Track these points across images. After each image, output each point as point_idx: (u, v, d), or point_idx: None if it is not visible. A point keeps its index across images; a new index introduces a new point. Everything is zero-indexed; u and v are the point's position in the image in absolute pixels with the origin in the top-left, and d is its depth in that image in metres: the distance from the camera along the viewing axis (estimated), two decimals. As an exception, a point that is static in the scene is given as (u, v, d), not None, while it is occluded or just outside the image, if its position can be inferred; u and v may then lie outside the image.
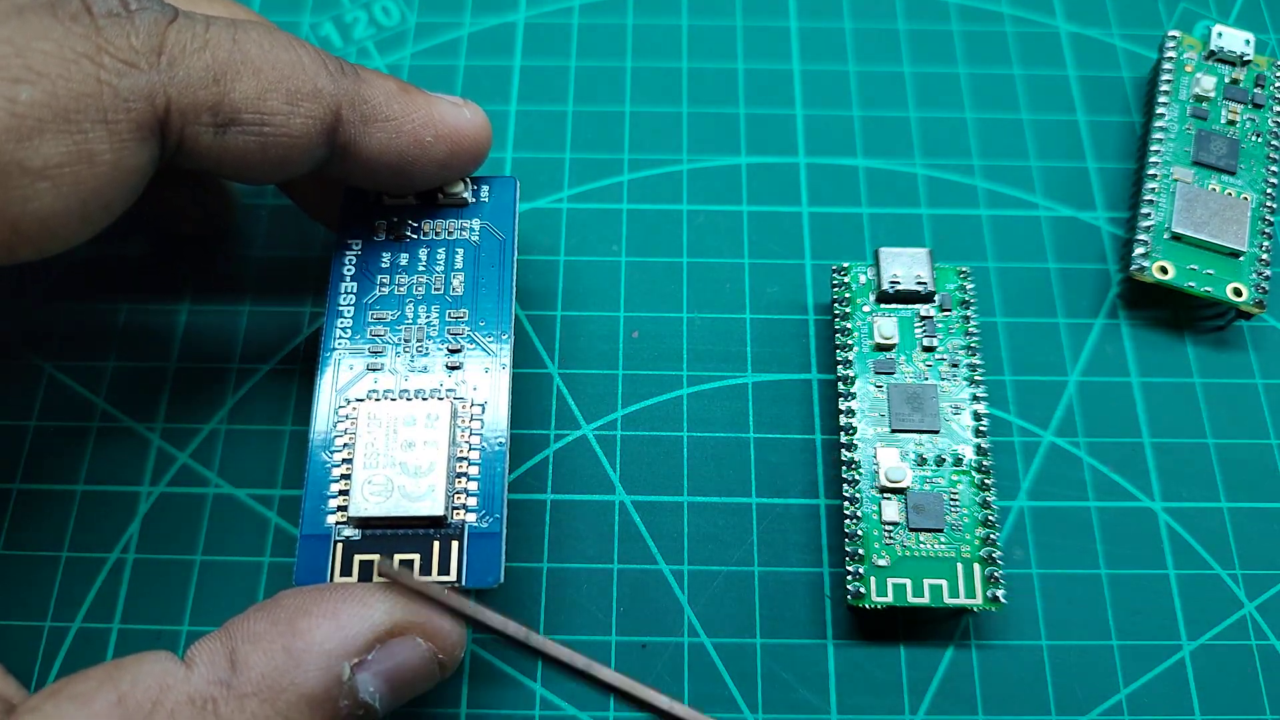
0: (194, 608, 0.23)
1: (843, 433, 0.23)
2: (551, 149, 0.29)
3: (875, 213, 0.28)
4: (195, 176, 0.25)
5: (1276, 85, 0.28)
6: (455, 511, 0.19)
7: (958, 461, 0.23)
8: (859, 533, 0.22)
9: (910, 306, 0.25)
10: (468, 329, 0.21)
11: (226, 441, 0.25)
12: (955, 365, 0.24)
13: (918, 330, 0.24)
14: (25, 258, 0.17)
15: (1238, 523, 0.24)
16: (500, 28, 0.31)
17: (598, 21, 0.31)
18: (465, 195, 0.22)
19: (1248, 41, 0.28)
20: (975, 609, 0.22)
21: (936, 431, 0.23)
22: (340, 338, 0.21)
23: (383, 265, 0.21)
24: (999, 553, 0.22)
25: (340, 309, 0.21)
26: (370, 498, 0.19)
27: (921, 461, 0.23)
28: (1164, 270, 0.26)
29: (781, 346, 0.26)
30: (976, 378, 0.24)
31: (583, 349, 0.26)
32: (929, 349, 0.24)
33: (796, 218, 0.28)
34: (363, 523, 0.19)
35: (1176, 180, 0.27)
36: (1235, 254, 0.26)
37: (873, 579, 0.22)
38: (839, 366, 0.24)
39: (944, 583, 0.22)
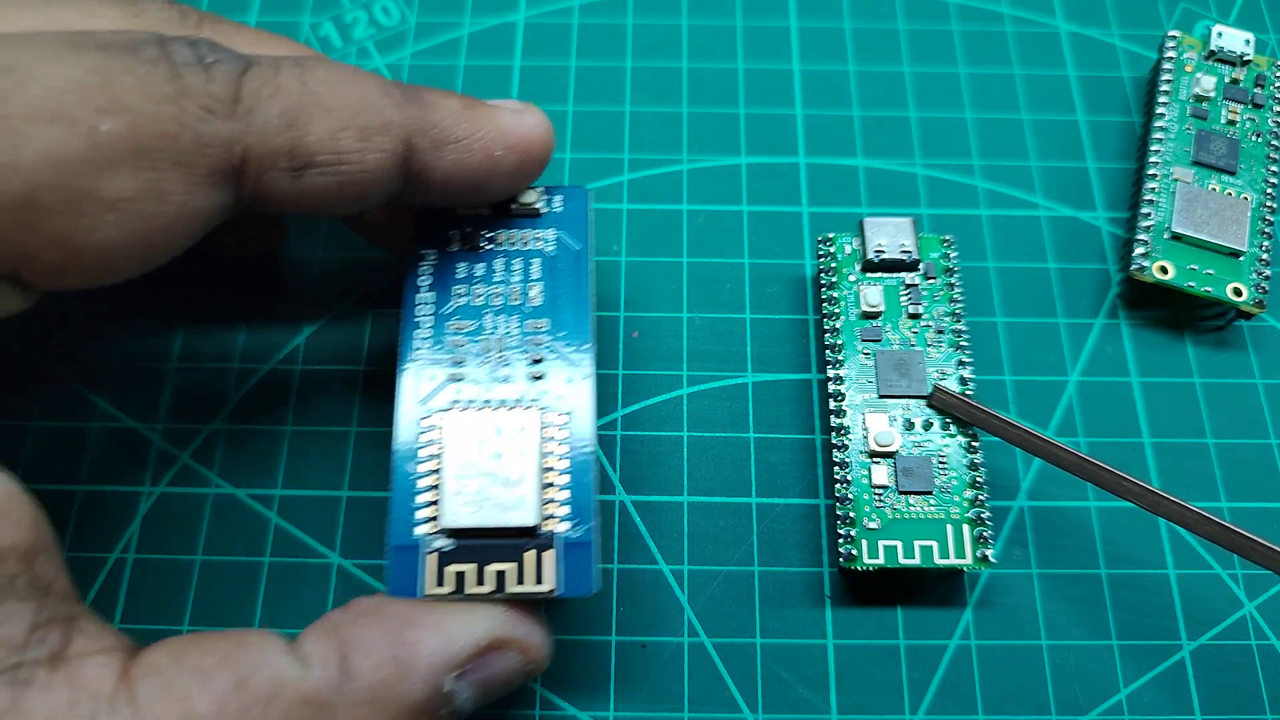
0: (194, 608, 0.23)
1: (831, 399, 0.24)
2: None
3: (875, 212, 0.28)
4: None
5: (1276, 85, 0.28)
6: (546, 521, 0.19)
7: (945, 425, 0.23)
8: (849, 496, 0.23)
9: (895, 275, 0.25)
10: (548, 339, 0.21)
11: (227, 442, 0.25)
12: (941, 331, 0.24)
13: (903, 298, 0.25)
14: (73, 285, 0.17)
15: (1238, 523, 0.24)
16: (500, 28, 0.31)
17: (598, 21, 0.31)
18: (539, 205, 0.22)
19: (1248, 41, 0.28)
20: (965, 569, 0.22)
21: (924, 396, 0.24)
22: (419, 348, 0.20)
23: (458, 276, 0.21)
24: (987, 513, 0.22)
25: (418, 320, 0.21)
26: (463, 508, 0.19)
27: (910, 426, 0.23)
28: (1164, 270, 0.26)
29: (781, 346, 0.26)
30: (962, 343, 0.24)
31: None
32: (914, 316, 0.25)
33: (796, 217, 0.28)
34: (454, 533, 0.19)
35: (1176, 180, 0.27)
36: (1235, 254, 0.26)
37: (864, 541, 0.22)
38: (826, 335, 0.25)
39: (934, 544, 0.22)
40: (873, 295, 0.25)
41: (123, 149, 0.15)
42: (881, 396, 0.24)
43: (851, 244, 0.26)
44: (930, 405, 0.17)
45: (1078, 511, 0.24)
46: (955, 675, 0.23)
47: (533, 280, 0.21)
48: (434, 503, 0.19)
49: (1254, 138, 0.27)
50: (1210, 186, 0.27)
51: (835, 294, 0.25)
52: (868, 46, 0.31)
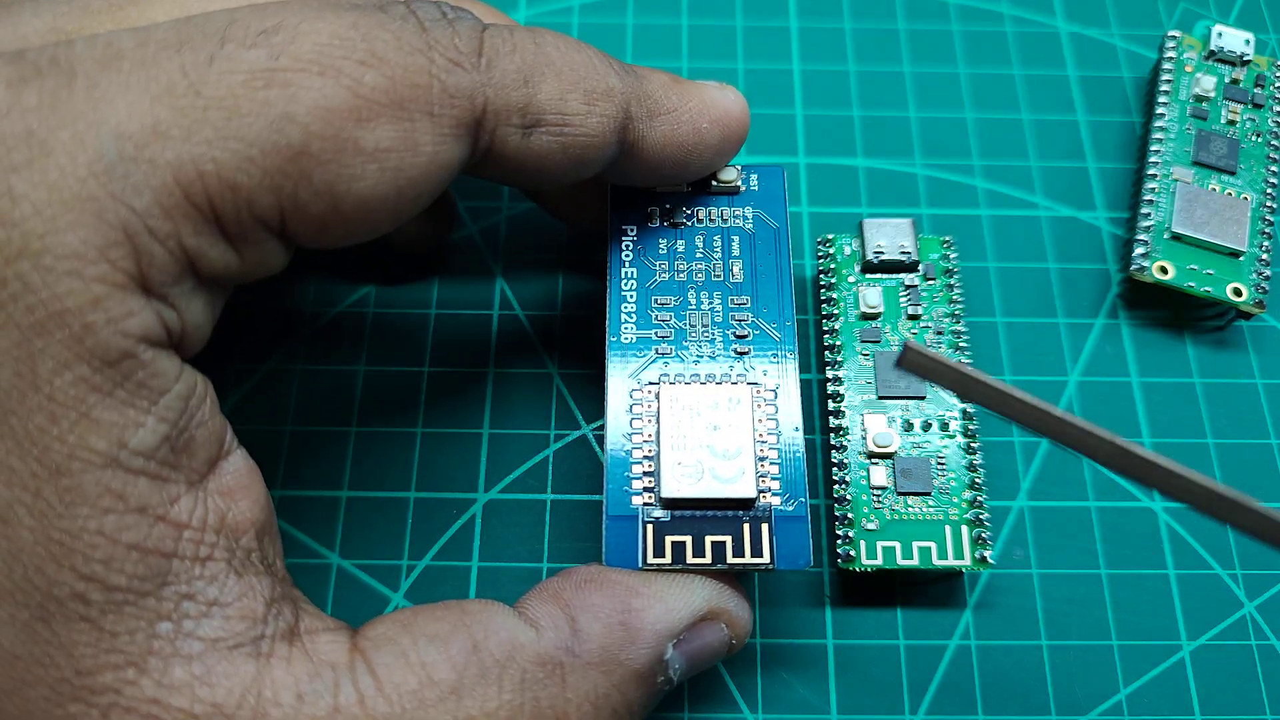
0: (194, 608, 0.23)
1: (830, 400, 0.24)
2: (551, 149, 0.29)
3: (875, 212, 0.28)
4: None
5: (1276, 85, 0.28)
6: (761, 495, 0.19)
7: (944, 426, 0.23)
8: (848, 497, 0.23)
9: (895, 276, 0.25)
10: (751, 315, 0.21)
11: (226, 441, 0.25)
12: (940, 332, 0.24)
13: (903, 299, 0.25)
14: (331, 241, 0.17)
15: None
16: (500, 28, 0.31)
17: (598, 21, 0.31)
18: (738, 183, 0.22)
19: (1248, 41, 0.28)
20: (964, 570, 0.22)
21: (923, 398, 0.24)
22: (625, 322, 0.21)
23: (660, 251, 0.22)
24: (986, 514, 0.22)
25: (624, 293, 0.21)
26: (682, 479, 0.19)
27: (908, 427, 0.23)
28: (1164, 270, 0.26)
29: (781, 346, 0.26)
30: (961, 344, 0.24)
31: (583, 349, 0.26)
32: (914, 317, 0.25)
33: (796, 218, 0.28)
34: (672, 504, 0.19)
35: (1176, 180, 0.27)
36: (1235, 254, 0.26)
37: (862, 542, 0.22)
38: (825, 336, 0.25)
39: (933, 545, 0.22)
40: (872, 296, 0.25)
41: (382, 100, 0.16)
42: (880, 398, 0.24)
43: (851, 245, 0.26)
44: (899, 366, 0.17)
45: (1077, 511, 0.24)
46: (955, 676, 0.23)
47: (734, 257, 0.21)
48: (648, 474, 0.19)
49: (1254, 138, 0.27)
50: (1210, 186, 0.27)
51: (834, 295, 0.25)
52: (868, 46, 0.31)
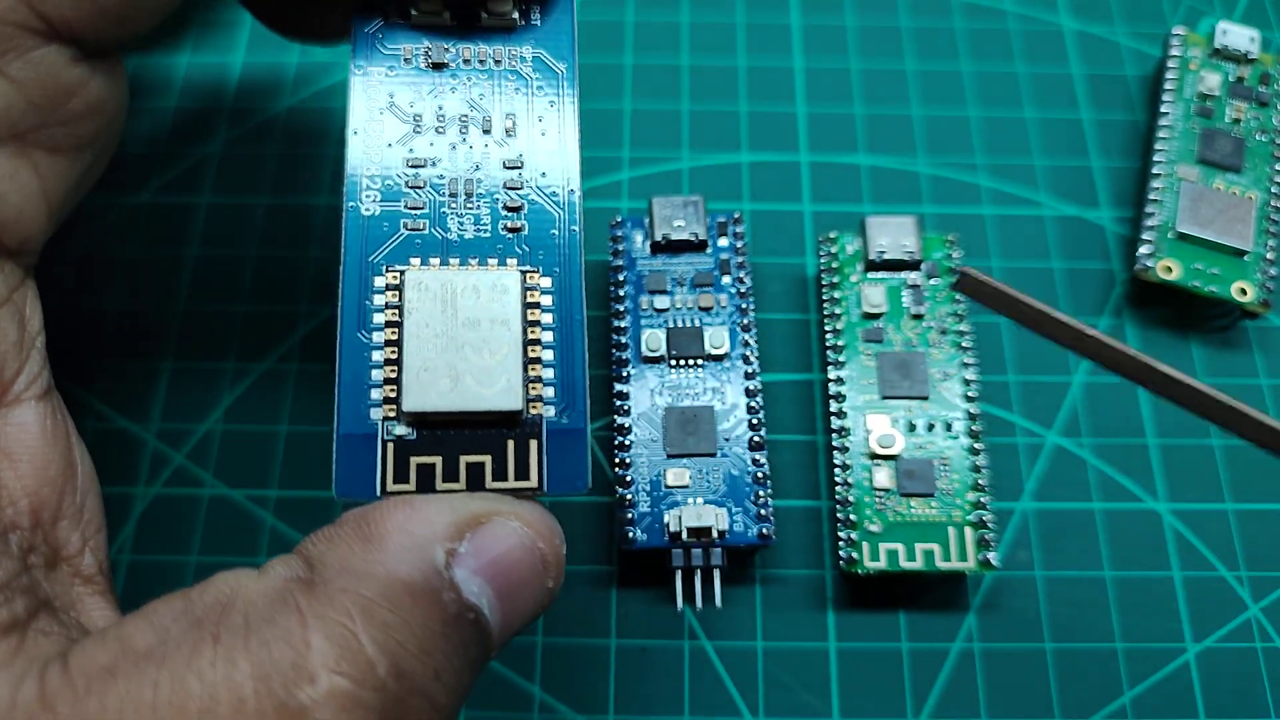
0: (189, 610, 0.23)
1: (833, 400, 0.24)
2: (551, 146, 0.28)
3: (878, 211, 0.27)
4: None
5: (1282, 83, 0.28)
6: (531, 404, 0.16)
7: (948, 427, 0.23)
8: (851, 499, 0.22)
9: (898, 275, 0.25)
10: (526, 184, 0.17)
11: (222, 442, 0.24)
12: (944, 332, 0.24)
13: (905, 298, 0.25)
14: (121, 15, 0.15)
15: (1243, 525, 0.24)
16: (499, 24, 0.30)
17: (598, 17, 0.30)
18: (514, 15, 0.18)
19: (1252, 39, 0.28)
20: (967, 572, 0.22)
21: (926, 398, 0.23)
22: (369, 188, 0.17)
23: (416, 100, 0.17)
24: (990, 516, 0.22)
25: (367, 149, 0.17)
26: (429, 388, 0.15)
27: (912, 428, 0.23)
28: (1169, 269, 0.25)
29: (783, 347, 0.26)
30: (964, 344, 0.24)
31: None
32: (917, 316, 0.24)
33: (798, 216, 0.27)
34: (418, 419, 0.15)
35: (1181, 179, 0.26)
36: (1240, 253, 0.26)
37: (865, 545, 0.22)
38: (828, 335, 0.24)
39: (936, 547, 0.22)
40: (875, 295, 0.25)
41: None
42: (884, 398, 0.24)
43: (854, 243, 0.25)
44: (955, 288, 0.16)
45: (1082, 514, 0.24)
46: (958, 679, 0.22)
47: (508, 111, 0.17)
48: (390, 381, 0.16)
49: (1259, 136, 0.27)
50: (1215, 185, 0.26)
51: (837, 294, 0.25)
52: (871, 43, 0.30)
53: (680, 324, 0.24)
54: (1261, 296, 0.25)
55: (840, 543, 0.22)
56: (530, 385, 0.16)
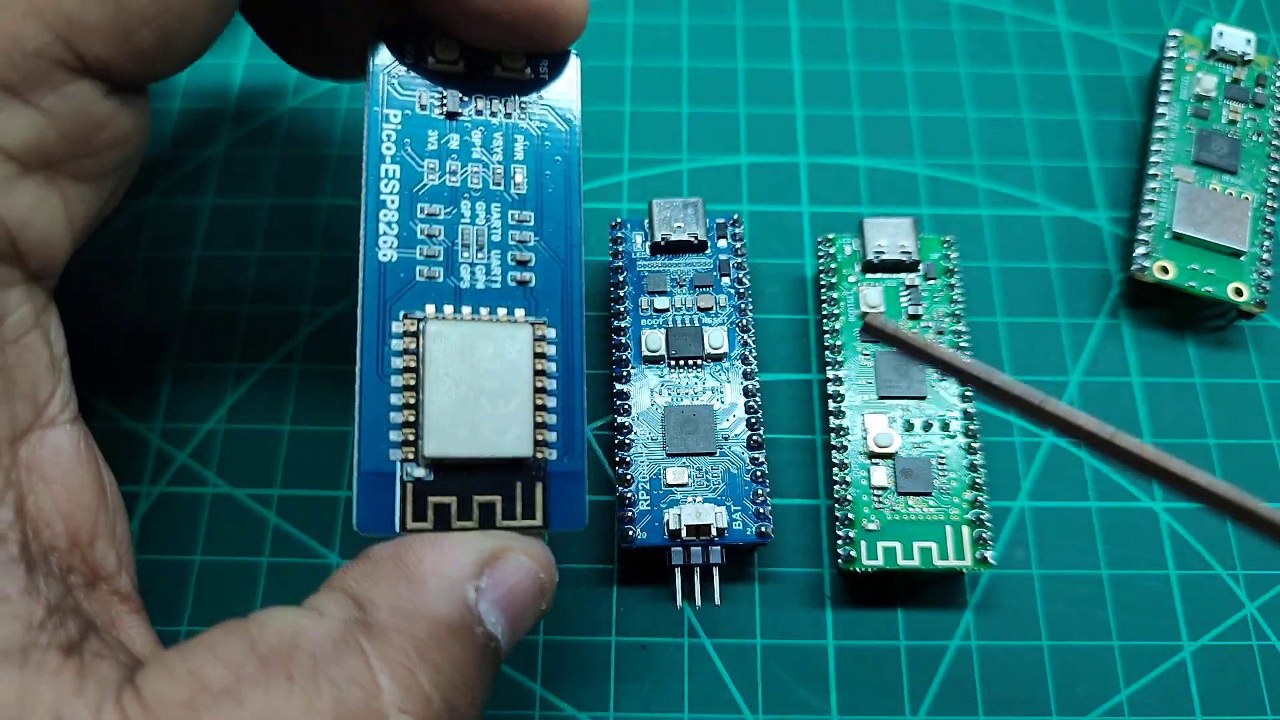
0: (193, 608, 0.23)
1: (831, 400, 0.24)
2: (551, 148, 0.29)
3: (876, 212, 0.28)
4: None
5: (1277, 84, 0.28)
6: (536, 449, 0.17)
7: (945, 426, 0.23)
8: (849, 498, 0.23)
9: (895, 276, 0.25)
10: (534, 237, 0.18)
11: (225, 441, 0.25)
12: (941, 332, 0.24)
13: (903, 299, 0.25)
14: (154, 54, 0.15)
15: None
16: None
17: (597, 21, 0.31)
18: (525, 70, 0.18)
19: (1248, 41, 0.28)
20: (965, 570, 0.22)
21: (923, 397, 0.24)
22: (386, 234, 0.17)
23: (429, 147, 0.18)
24: (987, 514, 0.22)
25: (383, 198, 0.17)
26: (449, 434, 0.16)
27: (909, 427, 0.23)
28: (1165, 270, 0.26)
29: (781, 346, 0.26)
30: (962, 344, 0.24)
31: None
32: (915, 317, 0.25)
33: (796, 217, 0.28)
34: (436, 463, 0.16)
35: (1178, 180, 0.27)
36: (1236, 254, 0.26)
37: (863, 543, 0.22)
38: (826, 336, 0.25)
39: (933, 545, 0.22)
40: (873, 296, 0.25)
41: None
42: (881, 398, 0.24)
43: (851, 244, 0.26)
44: (861, 335, 0.17)
45: (1078, 512, 0.24)
46: (956, 676, 0.22)
47: (516, 162, 0.18)
48: (409, 425, 0.16)
49: (1255, 137, 0.27)
50: (1211, 186, 0.27)
51: (835, 294, 0.25)
52: (868, 46, 0.31)
53: (680, 324, 0.24)
54: (1257, 297, 0.25)
55: (838, 541, 0.22)
56: (536, 430, 0.17)
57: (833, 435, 0.23)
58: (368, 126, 0.18)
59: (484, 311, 0.17)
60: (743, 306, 0.24)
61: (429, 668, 0.15)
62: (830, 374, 0.24)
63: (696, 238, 0.24)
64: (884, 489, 0.23)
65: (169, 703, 0.13)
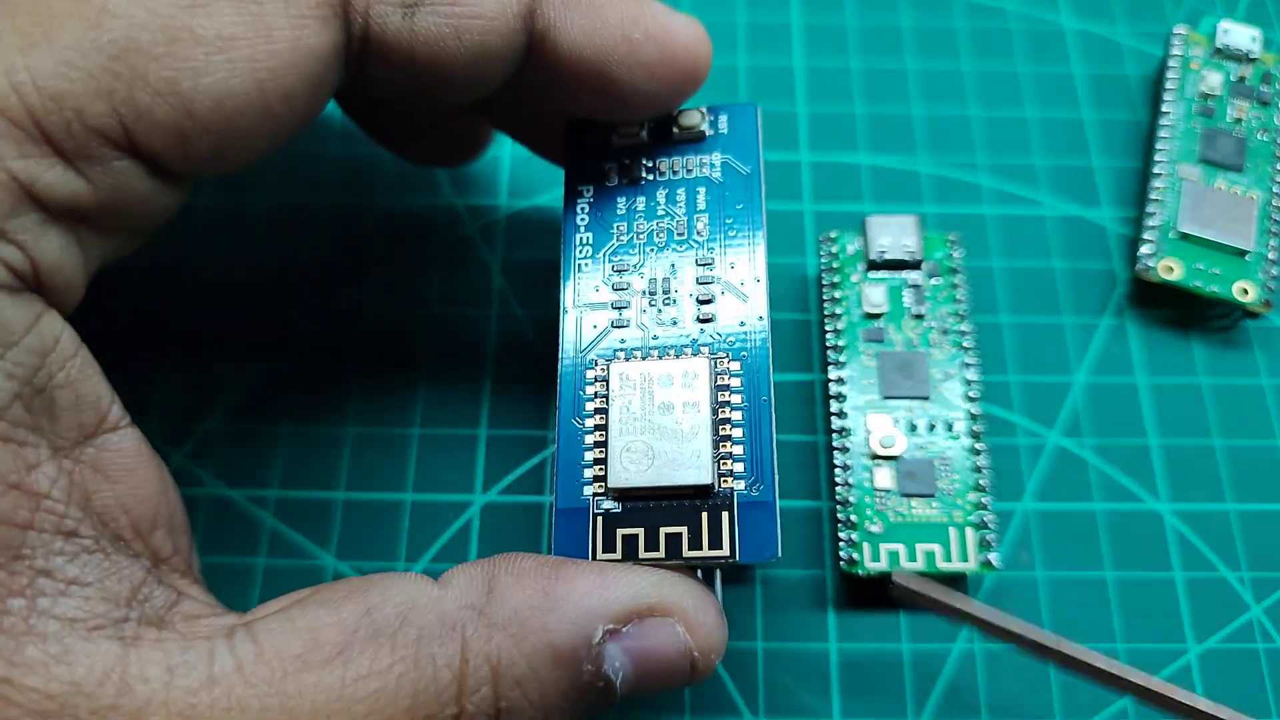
0: (189, 611, 0.23)
1: (833, 400, 0.24)
2: (551, 146, 0.28)
3: (879, 210, 0.27)
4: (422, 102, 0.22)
5: (1284, 82, 0.28)
6: (722, 479, 0.17)
7: (949, 427, 0.23)
8: (851, 500, 0.22)
9: (899, 274, 0.25)
10: (716, 278, 0.19)
11: (222, 442, 0.24)
12: (945, 332, 0.24)
13: (907, 298, 0.25)
14: (204, 158, 0.16)
15: (1245, 525, 0.24)
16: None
17: (598, 17, 0.30)
18: (703, 127, 0.20)
19: (1254, 38, 0.28)
20: (968, 574, 0.22)
21: (927, 398, 0.23)
22: (580, 293, 0.19)
23: (618, 212, 0.19)
24: (991, 516, 0.22)
25: (578, 261, 0.19)
26: (630, 466, 0.17)
27: (913, 428, 0.23)
28: (1170, 269, 0.25)
29: (782, 347, 0.26)
30: (966, 344, 0.24)
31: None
32: (918, 316, 0.24)
33: (799, 215, 0.27)
34: (622, 494, 0.17)
35: (1183, 179, 0.26)
36: (1242, 253, 0.25)
37: (866, 545, 0.22)
38: (828, 335, 0.24)
39: (937, 548, 0.22)
40: (876, 295, 0.25)
41: None
42: (885, 398, 0.24)
43: (854, 243, 0.25)
44: (890, 594, 0.18)
45: (1083, 514, 0.24)
46: (959, 680, 0.22)
47: (699, 211, 0.19)
48: (600, 462, 0.17)
49: (1261, 135, 0.27)
50: (1217, 185, 0.26)
51: (838, 294, 0.25)
52: (872, 42, 0.30)
53: None
54: (1263, 296, 0.25)
55: (841, 543, 0.22)
56: (721, 461, 0.17)
57: (835, 436, 0.23)
58: (565, 207, 0.20)
59: (670, 354, 0.18)
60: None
61: (511, 678, 0.15)
62: (833, 374, 0.24)
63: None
64: (887, 491, 0.23)
65: (284, 652, 0.14)
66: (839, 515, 0.23)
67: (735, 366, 0.18)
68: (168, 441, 0.24)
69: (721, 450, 0.17)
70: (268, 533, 0.23)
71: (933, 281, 0.25)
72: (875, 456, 0.23)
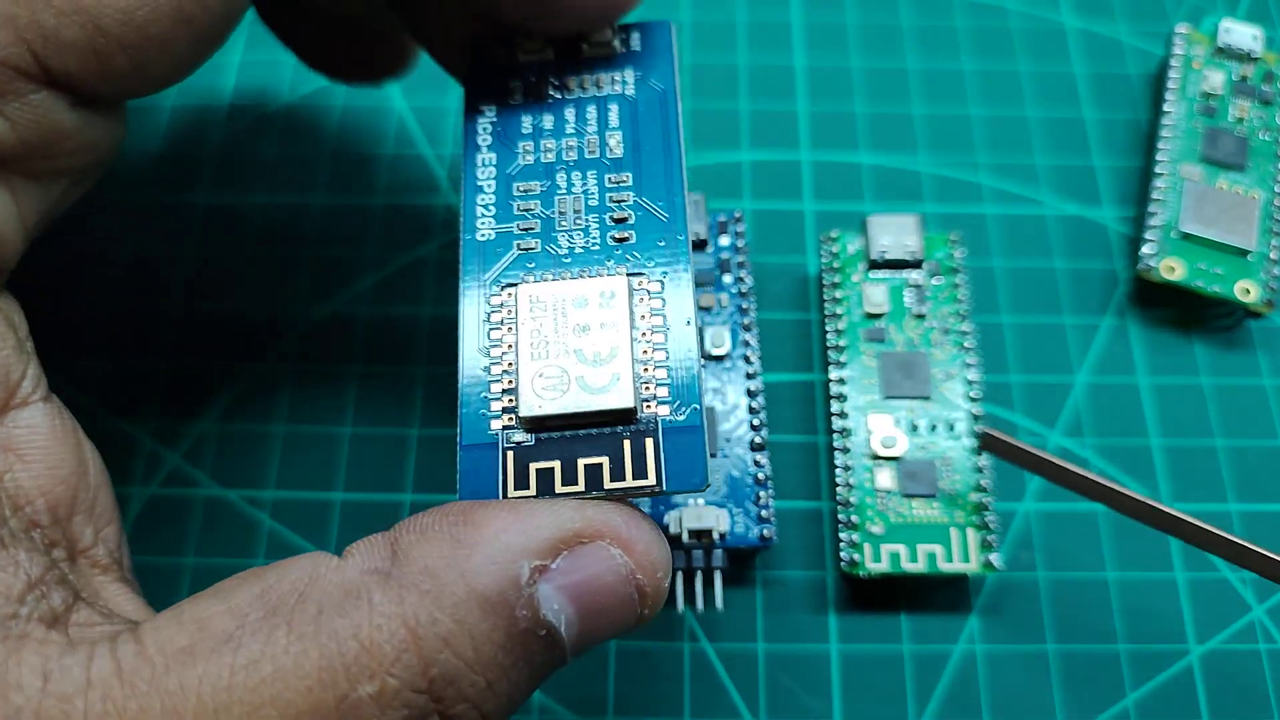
0: (186, 612, 0.22)
1: (835, 401, 0.23)
2: (550, 144, 0.28)
3: (880, 209, 0.27)
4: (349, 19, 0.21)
5: (1286, 81, 0.28)
6: (645, 404, 0.16)
7: (950, 427, 0.23)
8: (852, 500, 0.22)
9: (900, 274, 0.25)
10: (633, 195, 0.18)
11: (219, 443, 0.24)
12: (946, 332, 0.24)
13: (908, 298, 0.24)
14: (127, 76, 0.15)
15: (1246, 525, 0.24)
16: (498, 21, 0.30)
17: (597, 15, 0.30)
18: (615, 44, 0.19)
19: (1256, 37, 0.28)
20: (969, 574, 0.22)
21: (928, 398, 0.23)
22: (483, 217, 0.18)
23: (523, 131, 0.18)
24: (992, 517, 0.22)
25: (480, 184, 0.18)
26: (543, 394, 0.16)
27: (914, 428, 0.23)
28: (1172, 269, 0.25)
29: (782, 346, 0.26)
30: (967, 344, 0.24)
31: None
32: (919, 316, 0.24)
33: (799, 215, 0.27)
34: (536, 424, 0.16)
35: (1185, 178, 0.26)
36: (1244, 252, 0.25)
37: (867, 546, 0.22)
38: (829, 335, 0.24)
39: (939, 548, 0.22)
40: (877, 295, 0.24)
41: None
42: (886, 398, 0.23)
43: (855, 242, 0.25)
44: (980, 449, 0.17)
45: (1085, 515, 0.24)
46: (961, 681, 0.22)
47: (611, 129, 0.18)
48: (508, 392, 0.16)
49: (1263, 134, 0.27)
50: (1219, 184, 0.26)
51: (839, 293, 0.25)
52: (872, 41, 0.30)
53: None
54: (1265, 296, 0.25)
55: (842, 544, 0.22)
56: (644, 385, 0.16)
57: (836, 437, 0.23)
58: (466, 127, 0.18)
59: (586, 274, 0.17)
60: (745, 305, 0.24)
61: (436, 636, 0.13)
62: (834, 374, 0.24)
63: (698, 235, 0.24)
64: (888, 491, 0.23)
65: (168, 648, 0.13)
66: (840, 516, 0.22)
67: (655, 287, 0.17)
68: (164, 442, 0.24)
69: (643, 373, 0.16)
70: (265, 533, 0.23)
71: (934, 281, 0.25)
72: (876, 457, 0.23)
